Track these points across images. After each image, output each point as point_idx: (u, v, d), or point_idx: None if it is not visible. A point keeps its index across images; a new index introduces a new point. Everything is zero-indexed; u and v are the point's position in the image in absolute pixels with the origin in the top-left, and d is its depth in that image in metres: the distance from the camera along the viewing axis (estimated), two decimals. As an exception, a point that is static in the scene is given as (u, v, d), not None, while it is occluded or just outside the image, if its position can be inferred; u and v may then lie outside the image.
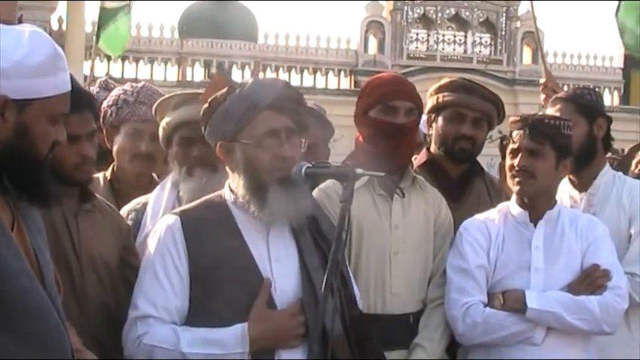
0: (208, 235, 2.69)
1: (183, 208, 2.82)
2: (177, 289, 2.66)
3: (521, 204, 3.39)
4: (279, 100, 2.72)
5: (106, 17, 8.14)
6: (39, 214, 2.37)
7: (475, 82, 3.91)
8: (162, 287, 2.65)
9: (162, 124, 3.31)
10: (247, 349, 2.59)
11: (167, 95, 3.41)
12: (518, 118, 3.39)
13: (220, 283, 2.65)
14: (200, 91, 3.32)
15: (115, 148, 3.65)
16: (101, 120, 3.54)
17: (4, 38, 2.15)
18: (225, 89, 2.79)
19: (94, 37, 8.08)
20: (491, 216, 3.45)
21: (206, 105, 2.81)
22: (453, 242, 3.46)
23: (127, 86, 3.72)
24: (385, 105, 3.40)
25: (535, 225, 3.39)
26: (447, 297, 3.35)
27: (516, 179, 3.33)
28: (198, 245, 2.68)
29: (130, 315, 2.68)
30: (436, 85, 3.86)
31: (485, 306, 3.30)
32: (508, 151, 3.36)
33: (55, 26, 23.87)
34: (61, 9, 23.86)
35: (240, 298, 2.64)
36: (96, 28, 8.11)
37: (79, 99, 2.30)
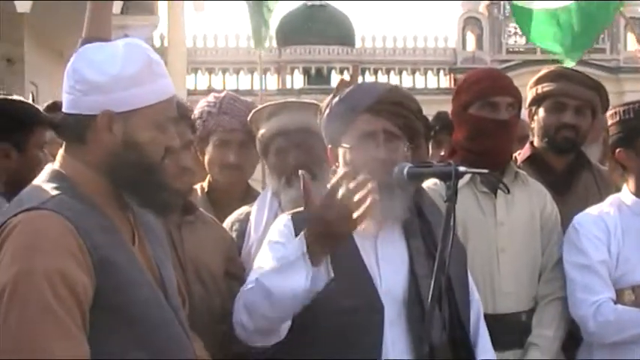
0: None
1: (293, 211, 2.81)
2: None
3: (636, 193, 3.28)
4: (378, 104, 2.71)
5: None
6: (161, 228, 2.43)
7: (575, 70, 3.82)
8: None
9: (258, 135, 3.32)
10: (305, 250, 2.42)
11: (261, 106, 3.42)
12: None
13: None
14: (294, 99, 3.33)
15: (205, 160, 3.67)
16: None
17: (100, 53, 2.20)
18: (330, 95, 2.81)
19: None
20: (605, 209, 3.33)
21: (323, 110, 2.85)
22: (560, 237, 3.38)
23: (210, 97, 3.72)
24: (486, 101, 3.35)
25: None
26: (573, 296, 3.24)
27: None
28: None
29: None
30: (535, 77, 3.78)
31: (615, 303, 3.19)
32: None
33: (157, 43, 24.44)
34: (163, 26, 24.43)
35: (347, 296, 2.61)
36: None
37: None
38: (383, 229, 2.73)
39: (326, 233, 2.41)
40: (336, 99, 2.76)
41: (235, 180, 3.67)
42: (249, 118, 3.40)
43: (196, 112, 3.64)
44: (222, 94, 3.72)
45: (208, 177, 3.73)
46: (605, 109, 3.75)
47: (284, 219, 2.76)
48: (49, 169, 2.23)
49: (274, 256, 2.56)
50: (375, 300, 2.65)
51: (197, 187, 3.63)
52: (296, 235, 2.60)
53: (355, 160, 2.67)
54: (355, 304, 2.62)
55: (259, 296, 2.48)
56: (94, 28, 2.66)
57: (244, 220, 3.33)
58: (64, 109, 2.21)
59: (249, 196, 3.57)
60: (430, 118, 5.35)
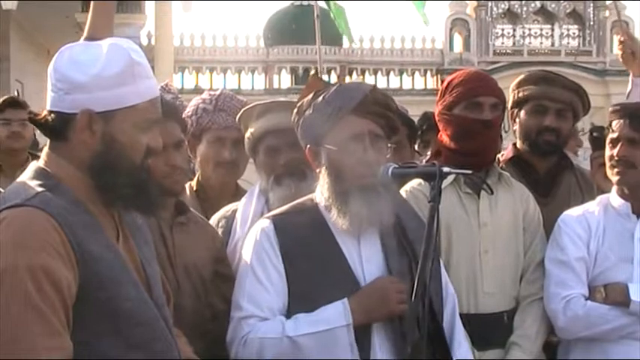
0: (302, 238, 2.72)
1: (275, 212, 2.84)
2: (279, 289, 2.69)
3: (623, 195, 3.30)
4: (364, 105, 2.72)
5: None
6: (146, 226, 2.43)
7: (555, 73, 3.84)
8: (264, 288, 2.69)
9: (247, 134, 3.31)
10: (350, 321, 2.61)
11: (250, 105, 3.42)
12: (618, 107, 3.30)
13: (316, 284, 2.67)
14: (284, 99, 3.33)
15: (198, 158, 3.66)
16: None
17: (84, 53, 2.21)
18: (311, 94, 2.81)
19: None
20: (591, 208, 3.37)
21: (295, 110, 2.85)
22: (542, 238, 3.41)
23: (205, 94, 3.71)
24: (470, 101, 3.37)
25: (638, 217, 3.29)
26: (547, 290, 3.30)
27: (616, 169, 3.24)
28: (293, 247, 2.71)
29: (235, 316, 2.72)
30: (517, 80, 3.80)
31: (587, 299, 3.24)
32: (608, 141, 3.28)
33: (144, 41, 24.37)
34: (150, 24, 24.37)
35: (335, 299, 2.65)
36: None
37: (162, 109, 2.33)
38: (365, 230, 2.74)
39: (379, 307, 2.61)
40: (320, 99, 2.76)
41: (228, 178, 3.67)
42: (237, 117, 3.41)
43: (189, 110, 3.63)
44: (218, 92, 3.70)
45: (197, 176, 3.73)
46: (586, 111, 3.78)
47: (265, 224, 2.77)
48: (34, 166, 2.24)
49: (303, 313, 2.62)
50: None
51: (186, 185, 3.59)
52: (279, 241, 2.66)
53: (342, 161, 2.69)
54: None
55: (290, 356, 2.58)
56: (96, 28, 2.66)
57: (230, 217, 3.34)
58: (47, 107, 2.22)
59: (238, 195, 3.56)
60: (416, 119, 5.38)
